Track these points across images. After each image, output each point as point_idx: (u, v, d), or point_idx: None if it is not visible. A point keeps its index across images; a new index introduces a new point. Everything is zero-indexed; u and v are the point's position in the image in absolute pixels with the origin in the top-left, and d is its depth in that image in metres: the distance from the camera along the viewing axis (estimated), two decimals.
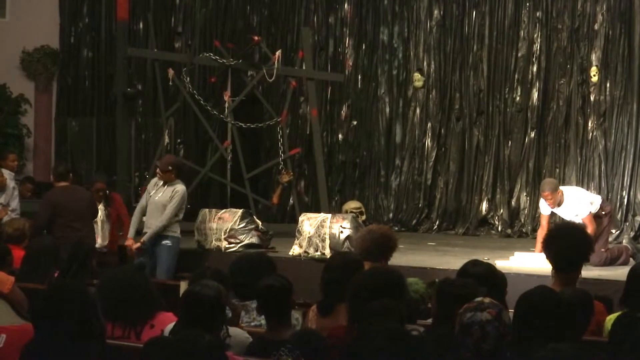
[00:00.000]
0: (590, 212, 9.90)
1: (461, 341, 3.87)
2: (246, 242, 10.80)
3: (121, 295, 4.90)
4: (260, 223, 11.12)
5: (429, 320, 5.00)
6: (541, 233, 10.09)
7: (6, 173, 11.37)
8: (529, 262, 9.50)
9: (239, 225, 10.97)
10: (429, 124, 14.57)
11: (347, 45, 15.22)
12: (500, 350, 3.88)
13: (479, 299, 4.03)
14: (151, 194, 9.93)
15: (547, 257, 5.45)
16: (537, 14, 13.76)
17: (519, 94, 13.90)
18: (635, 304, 5.00)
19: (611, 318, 5.08)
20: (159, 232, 9.71)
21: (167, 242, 9.82)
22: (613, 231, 12.04)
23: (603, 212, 10.03)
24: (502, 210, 13.91)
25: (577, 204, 9.94)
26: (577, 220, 9.85)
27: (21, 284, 6.59)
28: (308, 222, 10.27)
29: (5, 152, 12.34)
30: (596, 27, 13.27)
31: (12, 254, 7.19)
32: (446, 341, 4.06)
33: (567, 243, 5.37)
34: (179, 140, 15.24)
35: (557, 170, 13.40)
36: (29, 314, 5.70)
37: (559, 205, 9.97)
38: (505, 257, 9.85)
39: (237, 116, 13.38)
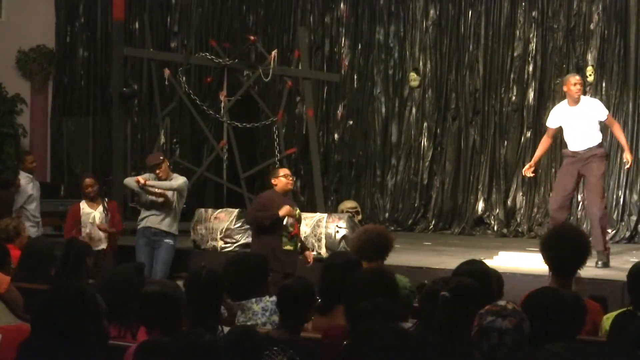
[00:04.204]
0: (608, 114, 10.01)
1: (477, 343, 3.79)
2: (242, 241, 10.82)
3: (118, 295, 4.90)
4: None
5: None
6: (545, 141, 10.28)
7: (23, 175, 11.21)
8: (513, 262, 9.51)
9: (234, 224, 11.00)
10: (425, 124, 14.57)
11: (343, 45, 15.21)
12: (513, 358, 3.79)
13: (502, 303, 3.88)
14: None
15: (545, 260, 5.45)
16: (533, 13, 13.76)
17: (514, 93, 13.90)
18: (637, 303, 5.01)
19: (609, 317, 5.08)
20: (162, 186, 9.77)
21: (169, 240, 9.89)
22: (609, 231, 12.04)
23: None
24: (498, 210, 13.91)
25: (595, 105, 9.97)
26: (590, 130, 9.79)
27: (18, 284, 6.58)
28: (304, 222, 10.27)
29: (22, 153, 12.17)
30: (592, 26, 13.27)
31: (11, 255, 7.18)
32: (434, 341, 4.04)
33: (566, 248, 5.36)
34: (174, 140, 15.23)
35: (553, 170, 13.38)
36: (25, 314, 5.71)
37: (576, 102, 9.85)
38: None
39: (233, 116, 13.38)
